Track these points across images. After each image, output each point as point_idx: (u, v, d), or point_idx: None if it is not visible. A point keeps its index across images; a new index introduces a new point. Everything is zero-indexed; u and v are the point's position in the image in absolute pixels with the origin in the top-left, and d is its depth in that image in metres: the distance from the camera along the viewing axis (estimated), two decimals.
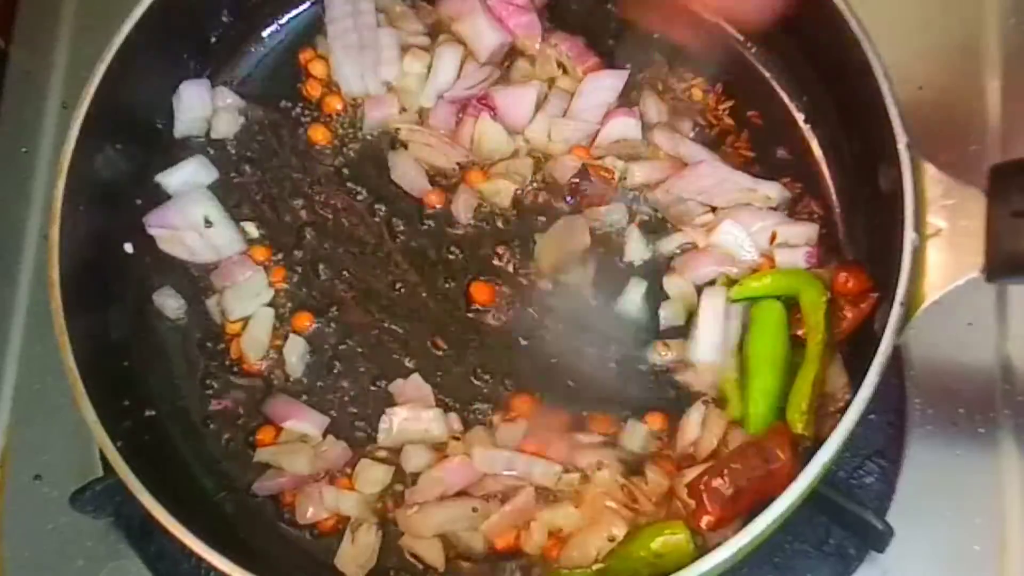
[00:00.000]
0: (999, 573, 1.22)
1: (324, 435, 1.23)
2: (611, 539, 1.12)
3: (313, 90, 1.39)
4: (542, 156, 1.34)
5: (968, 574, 1.22)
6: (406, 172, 1.34)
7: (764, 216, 1.26)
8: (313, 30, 1.43)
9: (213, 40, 1.41)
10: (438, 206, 1.33)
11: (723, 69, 1.36)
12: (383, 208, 1.34)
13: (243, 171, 1.37)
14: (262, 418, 1.26)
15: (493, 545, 1.17)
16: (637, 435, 1.20)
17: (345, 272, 1.32)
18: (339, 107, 1.38)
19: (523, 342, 1.26)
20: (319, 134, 1.37)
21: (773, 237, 1.25)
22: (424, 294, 1.30)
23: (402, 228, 1.33)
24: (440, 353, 1.27)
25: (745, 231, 1.25)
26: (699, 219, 1.28)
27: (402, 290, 1.30)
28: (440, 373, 1.26)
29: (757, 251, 1.24)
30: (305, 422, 1.24)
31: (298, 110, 1.40)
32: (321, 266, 1.32)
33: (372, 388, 1.26)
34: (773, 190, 1.27)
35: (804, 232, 1.25)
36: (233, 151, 1.38)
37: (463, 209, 1.32)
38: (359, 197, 1.35)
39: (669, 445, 1.20)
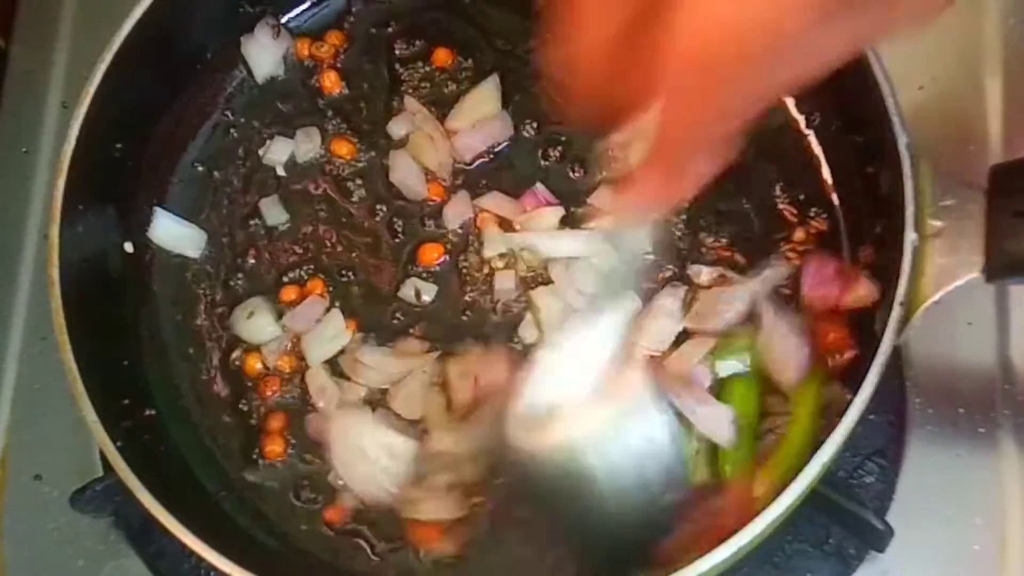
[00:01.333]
0: (999, 573, 1.21)
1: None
2: None
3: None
4: None
5: (968, 574, 1.22)
6: (405, 177, 1.33)
7: None
8: (313, 30, 1.43)
9: (213, 40, 1.40)
10: (436, 200, 1.33)
11: None
12: (384, 208, 1.34)
13: None
14: (263, 413, 1.26)
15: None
16: None
17: (345, 272, 1.32)
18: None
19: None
20: (343, 148, 1.36)
21: None
22: None
23: (402, 228, 1.33)
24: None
25: None
26: None
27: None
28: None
29: None
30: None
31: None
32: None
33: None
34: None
35: None
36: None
37: (452, 216, 1.31)
38: (359, 197, 1.35)
39: None
